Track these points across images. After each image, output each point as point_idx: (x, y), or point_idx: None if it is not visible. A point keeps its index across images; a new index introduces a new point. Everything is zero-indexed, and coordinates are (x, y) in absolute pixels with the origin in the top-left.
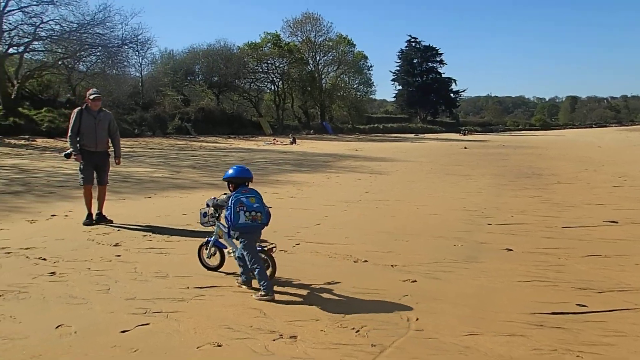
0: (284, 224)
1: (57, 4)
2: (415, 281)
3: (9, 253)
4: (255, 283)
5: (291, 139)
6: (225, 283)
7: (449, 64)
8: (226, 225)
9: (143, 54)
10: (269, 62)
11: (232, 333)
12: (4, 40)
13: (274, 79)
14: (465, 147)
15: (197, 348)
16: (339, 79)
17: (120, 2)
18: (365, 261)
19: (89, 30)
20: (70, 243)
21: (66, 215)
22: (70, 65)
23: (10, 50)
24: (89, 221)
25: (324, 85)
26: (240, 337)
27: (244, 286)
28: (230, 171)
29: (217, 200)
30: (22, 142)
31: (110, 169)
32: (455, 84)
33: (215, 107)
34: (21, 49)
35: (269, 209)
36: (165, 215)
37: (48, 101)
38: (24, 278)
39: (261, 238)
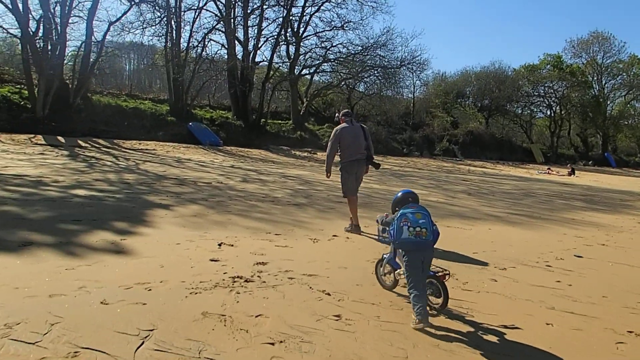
0: (608, 284)
1: (347, 28)
2: None
3: (292, 279)
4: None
5: (569, 170)
6: None
7: None
8: None
9: (418, 75)
10: (546, 85)
11: None
12: (299, 63)
13: (551, 103)
14: None
15: None
16: (628, 105)
17: (403, 24)
18: None
19: (371, 52)
20: (354, 274)
21: (347, 238)
22: (351, 86)
23: (304, 72)
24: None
25: (609, 111)
26: None
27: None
28: (399, 194)
29: (387, 217)
30: (305, 154)
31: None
32: None
33: (484, 131)
34: (312, 70)
35: (437, 227)
36: (453, 252)
37: (330, 118)
38: (308, 318)
39: None
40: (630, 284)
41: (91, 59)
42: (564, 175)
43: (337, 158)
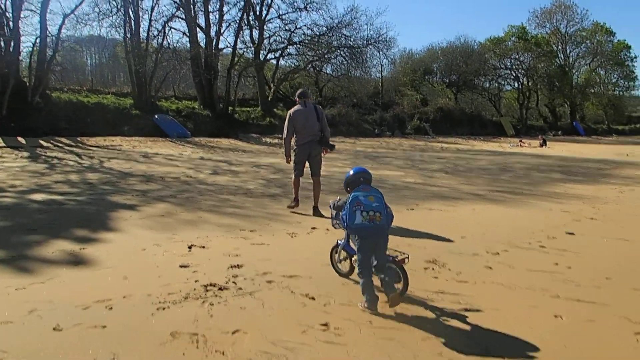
0: (609, 263)
1: (310, 9)
2: None
3: (271, 282)
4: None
5: (541, 141)
6: None
7: None
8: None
9: (385, 53)
10: (512, 57)
11: None
12: (264, 47)
13: (518, 75)
14: None
15: None
16: (593, 72)
17: (367, 2)
18: None
19: (337, 32)
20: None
21: (327, 229)
22: (318, 68)
23: (269, 56)
24: None
25: (575, 80)
26: None
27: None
28: (351, 172)
29: (339, 201)
30: (277, 140)
31: None
32: None
33: (454, 107)
34: (278, 54)
35: (390, 210)
36: (440, 238)
37: None
38: (292, 331)
39: None
40: (632, 262)
41: (48, 55)
42: (535, 146)
43: None
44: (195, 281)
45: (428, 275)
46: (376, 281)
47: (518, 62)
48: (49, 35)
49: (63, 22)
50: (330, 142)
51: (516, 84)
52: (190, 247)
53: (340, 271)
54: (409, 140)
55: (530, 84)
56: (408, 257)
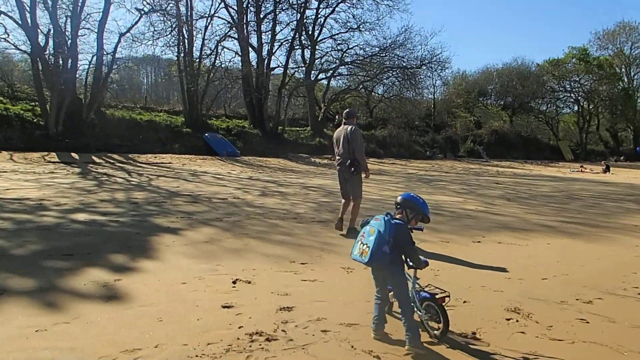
0: None
1: (363, 29)
2: None
3: (326, 332)
4: None
5: (604, 167)
6: None
7: None
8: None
9: (438, 74)
10: (572, 79)
11: None
12: (315, 67)
13: (578, 98)
14: None
15: None
16: None
17: (422, 22)
18: None
19: (389, 53)
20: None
21: None
22: (369, 89)
23: (320, 76)
24: None
25: (639, 104)
26: None
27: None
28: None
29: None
30: (326, 161)
31: None
32: None
33: (509, 130)
34: (329, 74)
35: (387, 248)
36: (518, 279)
37: None
38: None
39: None
40: None
41: (103, 73)
42: (598, 172)
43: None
44: (239, 327)
45: (512, 329)
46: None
47: (578, 85)
48: (105, 53)
49: (119, 41)
50: (354, 164)
51: (576, 107)
52: (234, 282)
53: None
54: (462, 163)
55: (590, 107)
56: (449, 296)
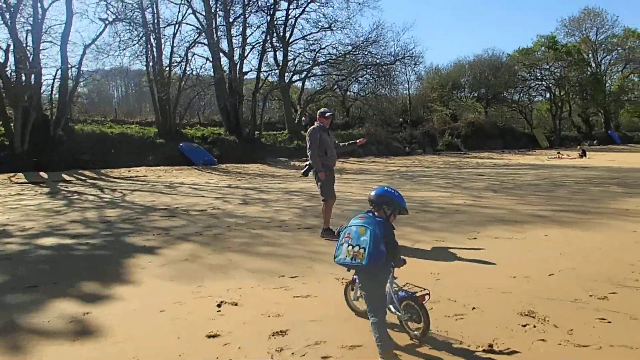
0: None
1: (335, 28)
2: None
3: (328, 358)
4: None
5: (580, 152)
6: None
7: None
8: None
9: (412, 69)
10: (542, 67)
11: None
12: (289, 69)
13: (549, 85)
14: None
15: None
16: (626, 79)
17: (393, 18)
18: None
19: (363, 50)
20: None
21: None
22: (344, 88)
23: (294, 78)
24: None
25: (608, 88)
26: None
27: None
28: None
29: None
30: (305, 163)
31: None
32: None
33: (485, 121)
34: (303, 75)
35: (383, 247)
36: (524, 277)
37: None
38: None
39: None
40: None
41: (69, 86)
42: (575, 158)
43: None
44: None
45: (532, 337)
46: None
47: (549, 72)
48: (70, 66)
49: (84, 53)
50: (305, 165)
51: (547, 95)
52: (219, 305)
53: (356, 309)
54: (442, 157)
55: (562, 93)
56: (429, 294)
